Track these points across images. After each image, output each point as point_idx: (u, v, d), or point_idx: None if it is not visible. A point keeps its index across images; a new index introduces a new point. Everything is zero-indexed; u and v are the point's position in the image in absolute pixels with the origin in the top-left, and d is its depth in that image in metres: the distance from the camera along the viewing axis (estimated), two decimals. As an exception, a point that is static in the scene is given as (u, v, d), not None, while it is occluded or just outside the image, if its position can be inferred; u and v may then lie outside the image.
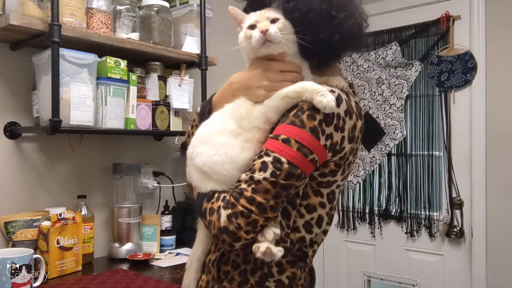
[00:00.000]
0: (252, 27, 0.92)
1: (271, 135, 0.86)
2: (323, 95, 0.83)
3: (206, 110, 1.04)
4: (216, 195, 0.88)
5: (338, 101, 0.85)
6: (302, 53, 0.93)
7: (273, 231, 0.84)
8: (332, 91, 0.86)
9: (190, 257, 1.04)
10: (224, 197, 0.85)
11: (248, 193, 0.81)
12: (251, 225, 0.81)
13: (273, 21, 0.91)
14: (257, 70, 0.94)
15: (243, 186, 0.82)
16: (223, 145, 0.90)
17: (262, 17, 0.92)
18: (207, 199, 0.88)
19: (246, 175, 0.83)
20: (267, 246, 0.83)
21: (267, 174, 0.81)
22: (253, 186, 0.81)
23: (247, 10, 0.98)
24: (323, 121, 0.83)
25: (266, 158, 0.82)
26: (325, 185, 0.91)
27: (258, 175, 0.82)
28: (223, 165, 0.88)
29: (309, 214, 0.91)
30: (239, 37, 0.97)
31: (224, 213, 0.82)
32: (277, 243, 0.86)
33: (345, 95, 0.89)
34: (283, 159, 0.81)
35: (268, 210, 0.81)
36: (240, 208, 0.81)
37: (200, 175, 0.92)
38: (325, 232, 0.98)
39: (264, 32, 0.88)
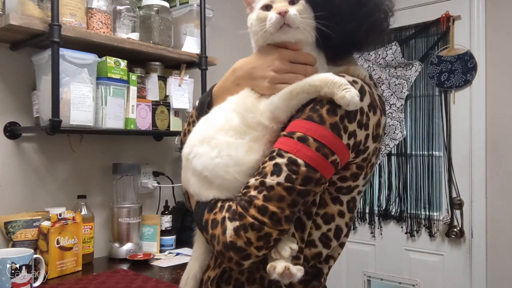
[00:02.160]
0: (267, 7, 0.79)
1: (284, 133, 0.74)
2: (345, 89, 0.71)
3: (205, 103, 0.91)
4: (219, 204, 0.76)
5: (362, 93, 0.74)
6: (320, 43, 0.80)
7: (289, 247, 0.73)
8: (354, 82, 0.75)
9: (185, 273, 0.91)
10: (230, 206, 0.73)
11: (259, 202, 0.69)
12: (263, 240, 0.69)
13: (292, 2, 0.79)
14: (265, 57, 0.81)
15: (253, 193, 0.70)
16: (227, 145, 0.77)
17: None
18: (209, 209, 0.76)
19: (256, 180, 0.72)
20: (285, 265, 0.71)
21: (281, 179, 0.69)
22: (264, 193, 0.70)
23: None
24: (345, 116, 0.72)
25: (279, 160, 0.71)
26: (345, 191, 0.79)
27: (270, 180, 0.70)
28: (226, 169, 0.76)
29: (327, 225, 0.78)
30: (249, 19, 0.84)
31: (230, 226, 0.70)
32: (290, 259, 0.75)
33: (367, 87, 0.78)
34: (300, 161, 0.70)
35: (283, 221, 0.70)
36: (250, 219, 0.69)
37: (200, 180, 0.79)
38: (342, 245, 0.87)
39: (283, 14, 0.75)
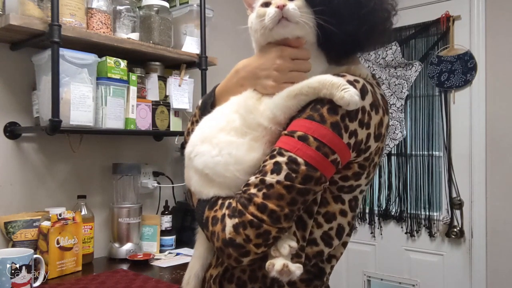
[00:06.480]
0: (266, 4, 0.80)
1: (285, 132, 0.74)
2: (344, 89, 0.71)
3: (208, 103, 0.92)
4: (219, 201, 0.76)
5: (363, 92, 0.74)
6: (321, 44, 0.80)
7: (288, 245, 0.72)
8: (356, 81, 0.74)
9: (187, 272, 0.91)
10: (230, 203, 0.73)
11: (258, 199, 0.69)
12: (262, 237, 0.70)
13: None
14: (267, 56, 0.81)
15: (253, 190, 0.71)
16: (227, 144, 0.78)
17: None
18: (209, 206, 0.77)
19: (256, 178, 0.72)
20: (283, 263, 0.71)
21: (281, 177, 0.69)
22: (264, 191, 0.70)
23: None
24: (346, 115, 0.71)
25: (279, 158, 0.71)
26: (347, 190, 0.79)
27: (270, 178, 0.70)
28: (227, 167, 0.76)
29: (328, 223, 0.78)
30: (250, 18, 0.85)
31: (230, 223, 0.71)
32: (291, 258, 0.74)
33: (369, 86, 0.77)
34: (300, 160, 0.69)
35: (282, 220, 0.70)
36: (249, 216, 0.69)
37: (201, 178, 0.80)
38: (344, 244, 0.87)
39: (281, 8, 0.75)
